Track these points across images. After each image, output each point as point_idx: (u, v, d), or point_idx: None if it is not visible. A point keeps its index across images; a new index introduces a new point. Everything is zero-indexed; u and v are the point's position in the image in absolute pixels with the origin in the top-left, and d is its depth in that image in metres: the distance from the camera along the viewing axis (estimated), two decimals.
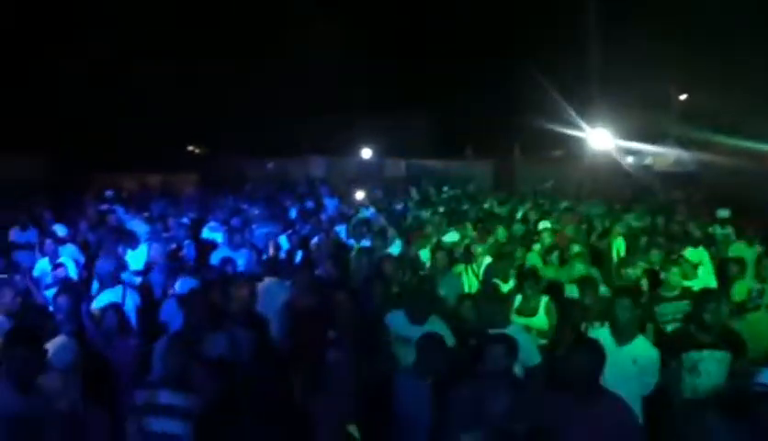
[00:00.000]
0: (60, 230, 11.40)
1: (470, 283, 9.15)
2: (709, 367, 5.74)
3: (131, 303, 7.63)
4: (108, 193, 16.82)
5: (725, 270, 9.02)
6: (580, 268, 8.76)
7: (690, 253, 9.86)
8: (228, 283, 7.09)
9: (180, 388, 4.89)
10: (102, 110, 27.34)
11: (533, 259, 10.08)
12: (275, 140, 29.27)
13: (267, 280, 7.81)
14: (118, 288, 7.76)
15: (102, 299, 7.40)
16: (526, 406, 4.17)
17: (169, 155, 27.88)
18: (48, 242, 9.57)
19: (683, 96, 29.22)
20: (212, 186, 22.08)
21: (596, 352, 4.69)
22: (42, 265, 9.34)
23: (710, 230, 12.30)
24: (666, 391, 5.83)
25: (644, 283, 8.55)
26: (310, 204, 17.38)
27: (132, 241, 10.48)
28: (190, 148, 33.75)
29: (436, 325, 6.20)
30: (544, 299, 7.35)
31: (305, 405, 4.24)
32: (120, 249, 9.86)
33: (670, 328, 6.94)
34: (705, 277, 9.07)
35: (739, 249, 10.65)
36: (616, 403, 4.63)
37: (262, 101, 29.93)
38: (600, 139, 24.86)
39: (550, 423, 4.34)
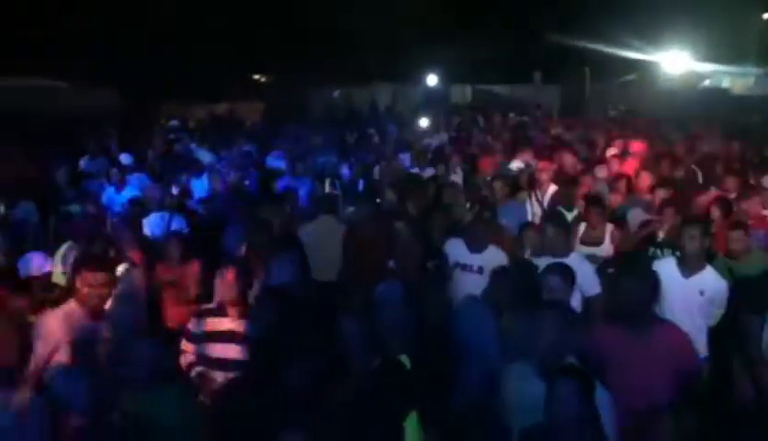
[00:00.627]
0: (125, 158, 11.62)
1: (534, 211, 8.98)
2: None
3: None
4: (173, 123, 17.00)
5: None
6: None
7: None
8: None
9: (241, 314, 4.96)
10: (170, 40, 27.50)
11: (599, 186, 9.82)
12: (341, 67, 29.04)
13: (321, 217, 7.78)
14: (163, 214, 7.94)
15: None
16: (575, 337, 4.08)
17: (236, 84, 28.02)
18: (113, 170, 9.74)
19: (765, 15, 27.67)
20: (277, 115, 22.17)
21: (645, 279, 4.58)
22: (110, 194, 9.54)
23: None
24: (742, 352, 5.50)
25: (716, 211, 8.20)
26: (371, 131, 17.30)
27: (197, 169, 10.63)
28: (256, 76, 33.79)
29: (494, 254, 6.13)
30: (609, 228, 7.17)
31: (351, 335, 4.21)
32: (185, 178, 9.99)
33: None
34: None
35: None
36: (670, 330, 4.55)
37: (326, 29, 29.64)
38: (674, 62, 23.85)
39: (601, 353, 4.28)
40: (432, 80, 30.53)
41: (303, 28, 28.90)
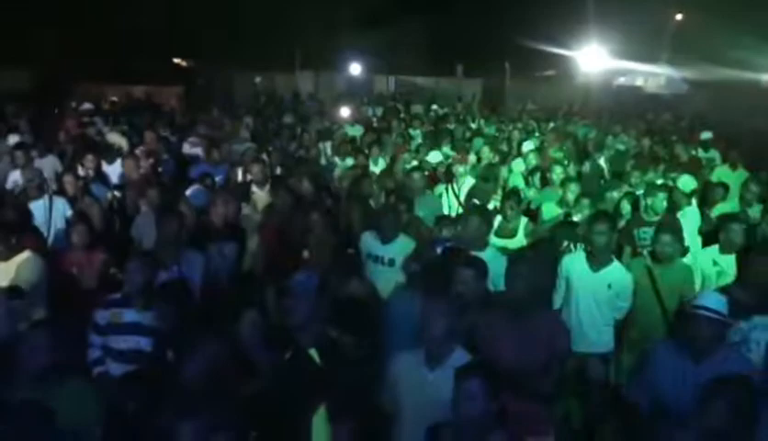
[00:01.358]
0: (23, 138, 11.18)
1: (450, 204, 9.06)
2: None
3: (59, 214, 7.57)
4: (87, 106, 16.40)
5: (708, 194, 8.95)
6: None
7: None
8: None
9: (146, 307, 4.84)
10: (86, 21, 26.63)
11: (516, 180, 9.99)
12: (263, 54, 28.68)
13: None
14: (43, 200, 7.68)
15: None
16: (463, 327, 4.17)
17: (155, 67, 27.34)
18: (18, 153, 9.33)
19: (678, 16, 28.65)
20: (197, 100, 21.75)
21: (530, 269, 4.67)
22: (15, 177, 9.15)
23: (693, 153, 12.18)
24: None
25: (626, 206, 8.42)
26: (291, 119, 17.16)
27: (109, 154, 10.30)
28: (176, 60, 33.04)
29: (405, 244, 6.16)
30: (523, 221, 7.29)
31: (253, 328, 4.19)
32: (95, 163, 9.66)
33: (647, 253, 6.89)
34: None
35: (723, 173, 10.56)
36: (549, 318, 4.80)
37: (251, 14, 29.19)
38: (591, 59, 24.48)
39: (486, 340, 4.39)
40: (355, 69, 30.49)
41: (226, 12, 28.43)
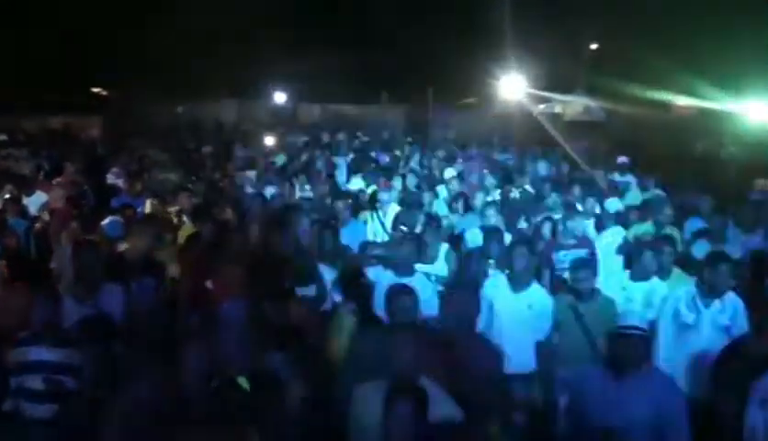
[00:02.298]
0: None
1: (376, 230, 9.13)
2: None
3: None
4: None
5: (625, 217, 9.23)
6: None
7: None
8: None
9: (57, 344, 4.70)
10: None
11: (439, 207, 10.13)
12: (186, 83, 28.35)
13: None
14: None
15: None
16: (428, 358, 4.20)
17: (72, 98, 26.70)
18: None
19: (593, 46, 29.64)
20: (117, 130, 21.37)
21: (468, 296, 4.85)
22: None
23: (611, 177, 12.58)
24: None
25: (546, 230, 8.64)
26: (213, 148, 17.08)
27: (26, 186, 10.07)
28: (96, 90, 32.38)
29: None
30: (444, 247, 7.40)
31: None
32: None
33: (566, 275, 7.08)
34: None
35: (637, 196, 10.94)
36: (481, 345, 4.82)
37: (173, 44, 28.87)
38: (511, 87, 25.03)
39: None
40: (280, 97, 30.44)
41: (145, 41, 28.04)
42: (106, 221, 7.85)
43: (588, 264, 6.39)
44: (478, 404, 4.39)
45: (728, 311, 5.41)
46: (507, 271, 6.23)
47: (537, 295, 6.02)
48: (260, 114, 29.22)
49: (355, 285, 5.86)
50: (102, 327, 4.61)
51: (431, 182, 12.02)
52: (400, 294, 4.87)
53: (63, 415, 4.31)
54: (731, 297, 5.46)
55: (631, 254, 6.74)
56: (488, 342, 4.95)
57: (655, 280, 6.28)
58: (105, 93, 32.26)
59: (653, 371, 4.32)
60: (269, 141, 18.76)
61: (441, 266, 7.18)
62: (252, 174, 12.99)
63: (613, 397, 4.14)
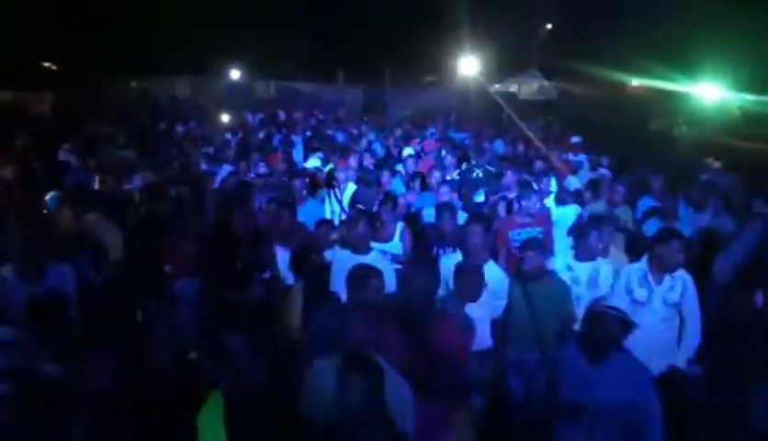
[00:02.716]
0: None
1: (333, 209, 9.12)
2: None
3: None
4: None
5: (579, 196, 9.33)
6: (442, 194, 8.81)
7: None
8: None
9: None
10: None
11: (396, 185, 10.15)
12: (138, 58, 27.79)
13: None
14: None
15: None
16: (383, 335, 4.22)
17: (20, 72, 25.97)
18: None
19: (548, 25, 29.88)
20: (68, 107, 20.89)
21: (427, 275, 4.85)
22: None
23: (564, 157, 12.73)
24: None
25: (502, 209, 8.71)
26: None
27: None
28: (46, 64, 31.56)
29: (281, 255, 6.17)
30: (399, 225, 7.42)
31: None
32: None
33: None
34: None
35: (588, 175, 11.09)
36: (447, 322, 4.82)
37: (126, 16, 28.23)
38: (469, 66, 25.11)
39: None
40: (235, 74, 30.11)
41: (99, 14, 27.43)
42: (48, 196, 7.71)
43: (537, 243, 6.31)
44: (439, 381, 4.46)
45: (679, 288, 5.52)
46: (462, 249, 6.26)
47: (493, 273, 6.02)
48: (215, 91, 28.86)
49: (306, 263, 5.81)
50: (53, 306, 4.53)
51: (388, 160, 12.03)
52: (368, 277, 4.81)
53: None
54: (682, 274, 5.57)
55: (577, 234, 6.69)
56: (450, 317, 4.95)
57: (600, 261, 6.34)
58: (55, 67, 31.49)
59: (627, 356, 4.38)
60: (224, 118, 18.56)
61: (397, 245, 7.21)
62: (208, 151, 12.86)
63: (587, 378, 4.22)
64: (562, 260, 6.50)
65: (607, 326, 4.22)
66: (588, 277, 6.20)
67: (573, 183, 10.12)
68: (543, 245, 6.41)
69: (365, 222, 6.42)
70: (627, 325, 4.27)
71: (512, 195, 8.78)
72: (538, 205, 7.95)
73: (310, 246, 6.21)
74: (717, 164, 12.50)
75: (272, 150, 12.92)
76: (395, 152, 13.56)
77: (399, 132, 16.37)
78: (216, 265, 5.89)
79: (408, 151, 12.84)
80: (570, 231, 7.57)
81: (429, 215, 8.08)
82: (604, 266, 6.27)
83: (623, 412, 4.15)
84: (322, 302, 5.20)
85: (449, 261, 6.14)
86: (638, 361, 4.43)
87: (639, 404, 4.16)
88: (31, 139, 12.75)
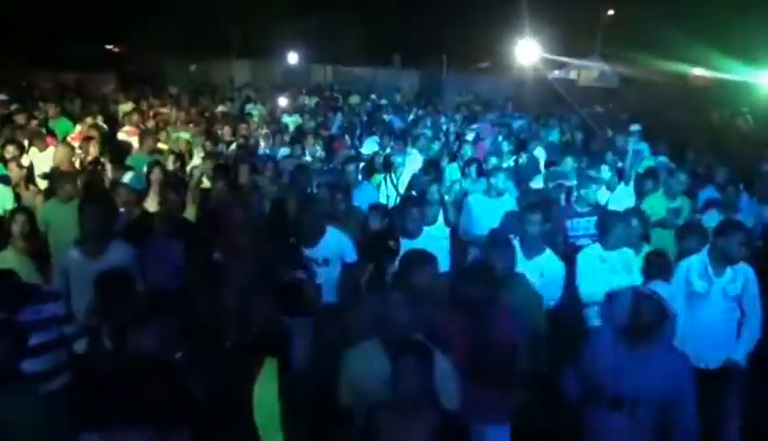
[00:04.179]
0: None
1: (389, 193, 9.15)
2: None
3: None
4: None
5: (639, 185, 9.16)
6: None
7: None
8: None
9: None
10: (15, 4, 25.76)
11: (453, 171, 10.11)
12: (198, 41, 28.19)
13: None
14: None
15: None
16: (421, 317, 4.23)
17: (86, 53, 26.58)
18: None
19: (610, 12, 29.36)
20: (130, 87, 21.29)
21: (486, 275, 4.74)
22: None
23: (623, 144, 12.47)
24: None
25: (562, 197, 8.60)
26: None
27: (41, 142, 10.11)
28: (109, 46, 32.22)
29: (336, 240, 6.19)
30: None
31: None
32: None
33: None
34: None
35: (649, 164, 10.87)
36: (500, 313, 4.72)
37: (188, 2, 28.62)
38: (527, 52, 24.83)
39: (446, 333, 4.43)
40: (292, 58, 30.30)
41: None
42: (127, 177, 7.92)
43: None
44: (493, 368, 4.45)
45: (740, 281, 5.41)
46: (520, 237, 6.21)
47: (550, 262, 6.01)
48: (273, 75, 29.10)
49: (378, 248, 5.81)
50: (118, 281, 4.63)
51: (448, 146, 12.02)
52: (421, 261, 4.87)
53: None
54: (743, 266, 5.46)
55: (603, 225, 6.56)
56: (505, 304, 4.94)
57: (626, 249, 6.32)
58: (117, 49, 32.16)
59: (666, 344, 4.33)
60: (282, 101, 18.70)
61: (441, 227, 7.20)
62: (267, 134, 13.01)
63: (625, 366, 4.18)
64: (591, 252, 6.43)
65: (646, 311, 4.17)
66: (622, 264, 6.20)
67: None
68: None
69: (416, 208, 6.45)
70: (666, 312, 4.21)
71: (570, 183, 8.66)
72: (598, 194, 7.85)
73: (386, 231, 6.25)
74: None
75: (334, 135, 13.00)
76: (452, 138, 13.51)
77: (459, 117, 16.32)
78: (270, 247, 5.95)
79: (469, 135, 12.84)
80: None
81: (481, 200, 7.99)
82: (631, 254, 6.30)
83: (660, 400, 4.12)
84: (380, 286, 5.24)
85: None
86: (676, 349, 4.39)
87: (676, 392, 4.12)
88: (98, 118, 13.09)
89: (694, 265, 5.57)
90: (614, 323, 4.46)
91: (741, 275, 5.43)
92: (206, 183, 8.62)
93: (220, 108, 17.15)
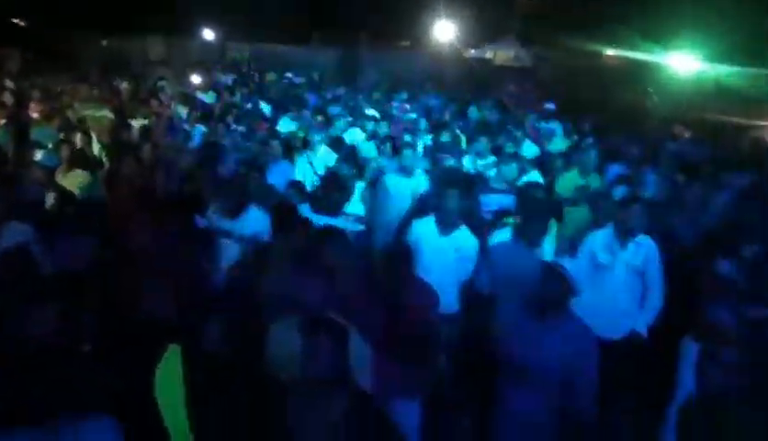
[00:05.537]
0: None
1: (306, 172, 9.09)
2: None
3: None
4: None
5: (549, 164, 9.37)
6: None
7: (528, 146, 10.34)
8: None
9: None
10: None
11: (367, 148, 10.12)
12: (110, 16, 27.25)
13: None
14: None
15: None
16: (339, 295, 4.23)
17: None
18: None
19: None
20: (38, 63, 20.48)
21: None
22: None
23: (536, 124, 12.74)
24: None
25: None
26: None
27: None
28: (15, 21, 30.82)
29: (256, 218, 6.14)
30: (359, 185, 7.47)
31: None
32: None
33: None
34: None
35: (562, 143, 11.13)
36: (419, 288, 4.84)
37: None
38: (444, 31, 25.00)
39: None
40: (208, 35, 29.70)
41: None
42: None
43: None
44: (405, 343, 4.50)
45: (642, 254, 5.60)
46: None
47: (465, 238, 6.09)
48: (189, 51, 28.44)
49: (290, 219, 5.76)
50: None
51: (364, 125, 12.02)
52: (334, 238, 4.91)
53: None
54: (646, 240, 5.65)
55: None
56: (417, 280, 5.00)
57: None
58: (23, 24, 30.82)
59: (570, 316, 4.48)
60: (196, 79, 18.34)
61: (357, 205, 7.28)
62: (183, 111, 12.74)
63: (532, 337, 4.29)
64: None
65: (553, 284, 4.30)
66: None
67: (531, 150, 10.14)
68: None
69: (337, 187, 6.45)
70: (572, 285, 4.35)
71: (486, 161, 8.79)
72: (516, 173, 7.97)
73: (291, 205, 6.16)
74: (686, 135, 12.61)
75: (251, 113, 12.81)
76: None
77: (377, 96, 16.31)
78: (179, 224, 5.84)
79: (371, 112, 12.87)
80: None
81: (394, 179, 8.04)
82: None
83: (564, 370, 4.23)
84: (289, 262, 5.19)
85: (422, 225, 6.17)
86: (580, 320, 4.52)
87: (580, 362, 4.25)
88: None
89: (600, 238, 5.75)
90: (522, 296, 4.55)
91: (644, 248, 5.62)
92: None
93: (124, 85, 16.60)
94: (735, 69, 17.50)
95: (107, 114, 11.53)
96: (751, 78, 17.10)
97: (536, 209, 6.12)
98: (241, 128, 11.14)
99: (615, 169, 8.88)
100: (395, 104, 15.04)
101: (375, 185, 7.96)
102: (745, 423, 3.20)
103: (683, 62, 18.10)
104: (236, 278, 5.11)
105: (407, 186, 7.71)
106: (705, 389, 3.34)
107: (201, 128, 10.93)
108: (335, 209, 6.37)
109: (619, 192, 7.48)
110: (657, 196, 7.75)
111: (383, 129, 10.90)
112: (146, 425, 3.62)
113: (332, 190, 6.44)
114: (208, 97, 15.30)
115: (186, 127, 11.28)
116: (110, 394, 3.49)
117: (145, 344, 3.76)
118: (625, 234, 5.62)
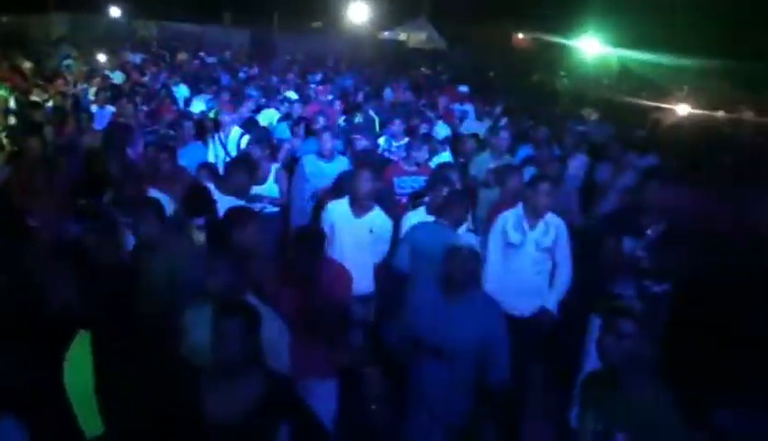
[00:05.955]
0: None
1: (217, 153, 8.94)
2: None
3: None
4: None
5: (461, 146, 9.47)
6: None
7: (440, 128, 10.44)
8: None
9: None
10: None
11: (281, 129, 10.04)
12: None
13: None
14: None
15: None
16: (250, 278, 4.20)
17: None
18: None
19: None
20: None
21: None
22: None
23: (450, 106, 12.87)
24: None
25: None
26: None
27: None
28: None
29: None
30: (274, 167, 7.40)
31: None
32: None
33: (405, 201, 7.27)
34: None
35: (473, 125, 11.28)
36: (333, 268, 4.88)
37: None
38: (357, 13, 24.94)
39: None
40: (115, 12, 28.77)
41: None
42: None
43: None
44: (319, 324, 4.52)
45: (552, 234, 5.74)
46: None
47: (379, 219, 6.13)
48: (93, 29, 27.46)
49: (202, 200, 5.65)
50: None
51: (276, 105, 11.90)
52: (246, 219, 4.88)
53: None
54: (555, 220, 5.79)
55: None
56: (331, 262, 5.02)
57: None
58: None
59: (480, 295, 4.58)
60: (103, 58, 17.76)
61: (271, 187, 7.25)
62: (90, 90, 12.33)
63: (443, 318, 4.36)
64: (413, 217, 6.46)
65: (460, 262, 4.36)
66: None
67: (444, 131, 10.28)
68: None
69: (246, 169, 6.35)
70: (480, 263, 4.46)
71: (399, 142, 8.85)
72: (427, 155, 8.03)
73: (202, 188, 6.04)
74: (594, 116, 12.97)
75: (160, 93, 12.46)
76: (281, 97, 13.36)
77: (290, 77, 16.13)
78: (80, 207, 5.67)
79: (294, 95, 12.71)
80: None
81: (310, 161, 8.00)
82: None
83: (476, 349, 4.34)
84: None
85: (336, 207, 6.17)
86: (490, 298, 4.64)
87: (491, 340, 4.35)
88: None
89: (510, 218, 5.85)
90: (432, 276, 4.62)
91: (554, 227, 5.75)
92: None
93: (27, 64, 15.91)
94: (639, 53, 18.10)
95: (4, 93, 11.03)
96: (655, 64, 17.73)
97: (455, 190, 6.19)
98: (148, 108, 10.89)
99: (525, 151, 9.06)
100: (311, 86, 14.93)
101: (289, 167, 7.90)
102: (643, 392, 3.34)
103: (592, 46, 18.60)
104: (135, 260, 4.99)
105: (327, 169, 7.67)
106: (605, 359, 3.46)
107: (110, 108, 10.59)
108: (245, 191, 6.27)
109: (528, 173, 7.65)
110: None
111: (297, 110, 10.80)
112: (53, 416, 3.53)
113: (242, 172, 6.32)
114: (116, 77, 14.84)
115: (94, 107, 10.91)
116: (10, 390, 3.40)
117: (53, 333, 3.64)
118: (533, 213, 5.75)
